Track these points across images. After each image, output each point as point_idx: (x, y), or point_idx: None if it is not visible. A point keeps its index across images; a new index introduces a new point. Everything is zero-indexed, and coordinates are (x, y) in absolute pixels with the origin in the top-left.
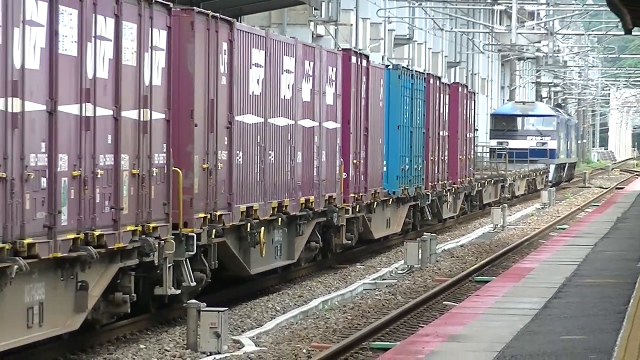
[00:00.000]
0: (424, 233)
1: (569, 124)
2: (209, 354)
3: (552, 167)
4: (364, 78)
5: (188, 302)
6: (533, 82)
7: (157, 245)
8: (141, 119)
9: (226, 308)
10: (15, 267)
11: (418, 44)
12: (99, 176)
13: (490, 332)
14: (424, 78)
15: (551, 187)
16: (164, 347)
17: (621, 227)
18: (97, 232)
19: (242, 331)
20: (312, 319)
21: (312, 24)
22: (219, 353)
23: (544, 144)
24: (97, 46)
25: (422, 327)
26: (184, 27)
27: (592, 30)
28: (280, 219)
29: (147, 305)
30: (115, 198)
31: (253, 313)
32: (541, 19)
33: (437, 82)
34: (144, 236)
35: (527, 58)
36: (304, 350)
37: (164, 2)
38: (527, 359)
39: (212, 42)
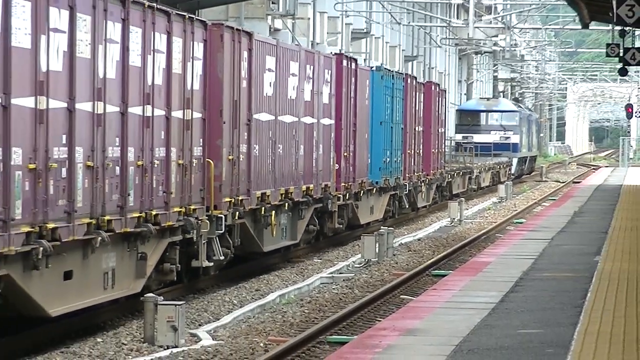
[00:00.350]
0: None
1: (530, 119)
2: (166, 347)
3: (514, 161)
4: (353, 79)
5: (145, 295)
6: (503, 80)
7: (195, 224)
8: (185, 118)
9: (183, 302)
10: (99, 238)
11: (375, 38)
12: (155, 166)
13: (448, 326)
14: (403, 78)
15: (514, 179)
16: (121, 340)
17: (578, 221)
18: (154, 212)
19: (199, 325)
20: (270, 312)
21: (269, 17)
22: (176, 347)
23: (507, 138)
24: (155, 58)
25: (380, 321)
26: (215, 40)
27: (549, 25)
28: (287, 204)
29: (181, 277)
30: (167, 184)
31: (210, 307)
32: (498, 13)
33: (414, 81)
34: (186, 216)
35: (485, 52)
36: (261, 344)
37: (186, 14)
38: (485, 352)
39: (236, 52)
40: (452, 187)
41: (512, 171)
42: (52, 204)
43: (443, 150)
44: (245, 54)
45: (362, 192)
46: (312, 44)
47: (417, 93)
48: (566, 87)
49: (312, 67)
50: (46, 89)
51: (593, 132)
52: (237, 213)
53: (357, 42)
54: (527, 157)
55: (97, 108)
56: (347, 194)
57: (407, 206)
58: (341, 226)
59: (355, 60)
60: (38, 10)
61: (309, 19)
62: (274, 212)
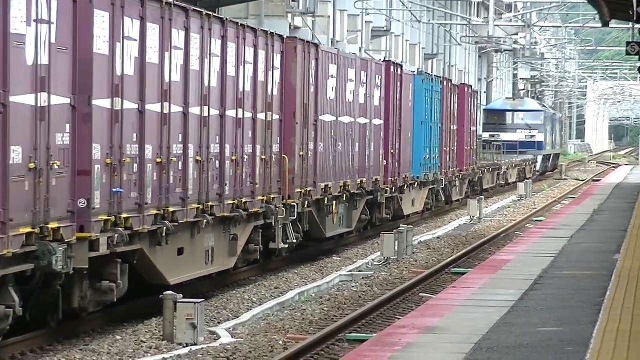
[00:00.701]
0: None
1: (554, 118)
2: (185, 345)
3: (539, 158)
4: (398, 83)
5: (165, 293)
6: (523, 79)
7: (274, 211)
8: (267, 119)
9: (202, 299)
10: (205, 221)
11: (395, 36)
12: (245, 160)
13: (467, 324)
14: (440, 81)
15: (539, 175)
16: (140, 338)
17: (597, 220)
18: (244, 200)
19: (219, 322)
20: (289, 310)
21: (289, 15)
22: (195, 344)
23: (532, 136)
24: (245, 69)
25: (399, 319)
26: (289, 51)
27: (570, 23)
28: (344, 195)
29: (258, 258)
30: (253, 176)
31: (229, 304)
32: (519, 11)
33: (450, 84)
34: (267, 204)
35: (505, 50)
36: (280, 342)
37: (267, 30)
38: (504, 351)
39: (306, 61)
40: (483, 183)
41: (537, 168)
42: (172, 192)
43: (475, 147)
44: (313, 63)
45: (405, 185)
46: (332, 42)
47: (452, 95)
48: (586, 86)
49: (365, 73)
50: (169, 97)
51: (613, 130)
52: (307, 202)
53: (377, 40)
54: (551, 154)
55: (203, 112)
56: (394, 187)
57: (443, 199)
58: (388, 216)
59: (401, 66)
60: (239, 49)
61: (329, 17)
62: (334, 202)
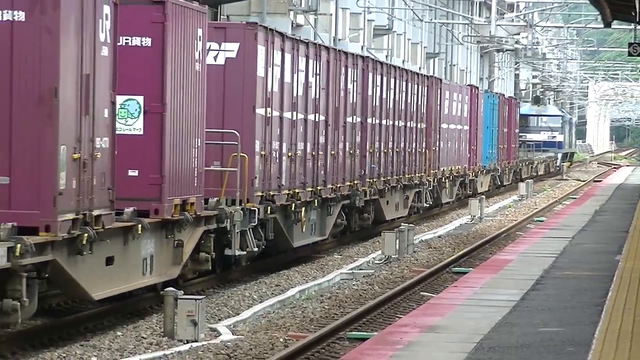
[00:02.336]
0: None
1: (571, 121)
2: (185, 341)
3: (559, 155)
4: (476, 100)
5: (165, 289)
6: (531, 83)
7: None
8: (417, 127)
9: (203, 296)
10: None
11: (397, 34)
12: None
13: (469, 324)
14: (497, 96)
15: (559, 170)
16: (140, 334)
17: (599, 220)
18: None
19: (219, 319)
20: (289, 308)
21: (291, 13)
22: (196, 341)
23: (553, 137)
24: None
25: (400, 317)
26: (430, 87)
27: (572, 23)
28: (451, 176)
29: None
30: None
31: (230, 301)
32: (520, 11)
33: (502, 97)
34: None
35: (506, 50)
36: (281, 340)
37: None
38: (506, 350)
39: (435, 91)
40: (522, 173)
41: (558, 163)
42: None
43: (516, 145)
44: (439, 92)
45: (479, 172)
46: (333, 40)
47: (503, 105)
48: (587, 86)
49: (460, 95)
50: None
51: (614, 131)
52: (437, 178)
53: (379, 39)
54: (568, 152)
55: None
56: (473, 173)
57: (499, 183)
58: (470, 193)
59: (477, 87)
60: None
61: (331, 15)
62: (447, 180)
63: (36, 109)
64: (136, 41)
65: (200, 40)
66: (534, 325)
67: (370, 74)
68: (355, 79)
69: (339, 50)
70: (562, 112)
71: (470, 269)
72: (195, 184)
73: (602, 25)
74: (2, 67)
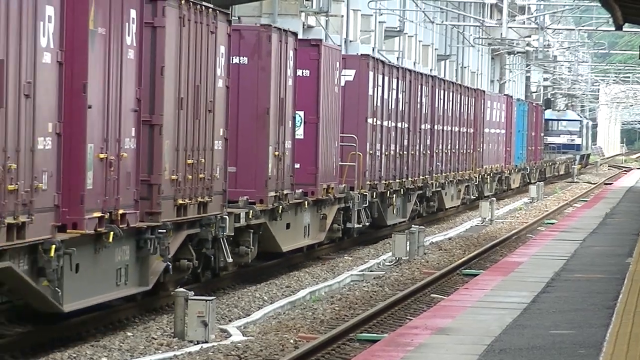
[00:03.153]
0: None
1: (588, 125)
2: (196, 342)
3: (577, 156)
4: (510, 108)
5: (176, 290)
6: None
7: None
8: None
9: (214, 297)
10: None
11: (408, 36)
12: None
13: (479, 326)
14: (527, 103)
15: (577, 173)
16: (151, 335)
17: (610, 223)
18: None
19: (230, 320)
20: (300, 309)
21: (303, 14)
22: (206, 342)
23: (572, 140)
24: (423, 99)
25: (410, 319)
26: (478, 99)
27: (583, 26)
28: (493, 173)
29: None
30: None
31: (240, 302)
32: (532, 14)
33: (531, 104)
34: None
35: (517, 52)
36: (291, 341)
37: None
38: (516, 352)
39: (477, 100)
40: (546, 172)
41: (576, 164)
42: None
43: (542, 147)
44: (474, 100)
45: (512, 170)
46: (344, 42)
47: (532, 112)
48: (598, 89)
49: (498, 103)
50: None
51: (625, 134)
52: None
53: (390, 41)
54: (585, 154)
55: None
56: (508, 171)
57: (529, 180)
58: (505, 188)
59: (512, 96)
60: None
61: (342, 16)
62: (488, 177)
63: (255, 122)
64: (300, 72)
65: (337, 70)
66: (545, 327)
67: (437, 90)
68: (427, 94)
69: (417, 72)
70: (581, 117)
71: (481, 271)
72: (334, 174)
73: (613, 28)
74: (232, 94)
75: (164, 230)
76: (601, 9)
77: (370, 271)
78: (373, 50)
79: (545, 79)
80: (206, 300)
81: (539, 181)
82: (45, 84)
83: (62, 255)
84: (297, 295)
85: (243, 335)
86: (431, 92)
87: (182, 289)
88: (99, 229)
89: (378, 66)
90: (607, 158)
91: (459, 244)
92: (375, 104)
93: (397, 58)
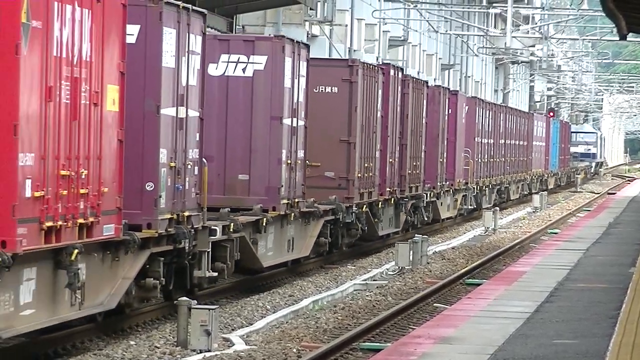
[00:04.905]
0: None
1: (602, 137)
2: (199, 351)
3: (593, 164)
4: (550, 126)
5: (179, 299)
6: (546, 95)
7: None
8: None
9: (217, 306)
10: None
11: (412, 45)
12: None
13: (483, 335)
14: (559, 121)
15: (593, 174)
16: (154, 343)
17: (613, 233)
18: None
19: (233, 329)
20: (303, 318)
21: (307, 23)
22: (209, 351)
23: (589, 149)
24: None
25: (413, 328)
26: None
27: (587, 35)
28: (534, 177)
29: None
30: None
31: (243, 311)
32: (536, 23)
33: (562, 122)
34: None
35: (521, 62)
36: (294, 350)
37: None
38: None
39: (494, 115)
40: (571, 177)
41: (592, 170)
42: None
43: (569, 156)
44: (527, 121)
45: (549, 175)
46: (349, 51)
47: (562, 127)
48: (602, 98)
49: (541, 122)
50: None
51: (628, 143)
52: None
53: (394, 50)
54: (599, 162)
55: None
56: (545, 175)
57: (560, 184)
58: (544, 188)
59: (547, 116)
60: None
61: (346, 25)
62: (535, 179)
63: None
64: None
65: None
66: (548, 337)
67: (501, 114)
68: (499, 118)
69: (493, 103)
70: (596, 129)
71: (484, 280)
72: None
73: (617, 38)
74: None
75: None
76: (605, 19)
77: (373, 280)
78: (377, 59)
79: (549, 89)
80: (209, 309)
81: (567, 184)
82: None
83: None
84: (300, 304)
85: (246, 344)
86: (494, 116)
87: (184, 298)
88: None
89: (479, 103)
90: (611, 168)
91: (462, 254)
92: (480, 128)
93: (401, 67)
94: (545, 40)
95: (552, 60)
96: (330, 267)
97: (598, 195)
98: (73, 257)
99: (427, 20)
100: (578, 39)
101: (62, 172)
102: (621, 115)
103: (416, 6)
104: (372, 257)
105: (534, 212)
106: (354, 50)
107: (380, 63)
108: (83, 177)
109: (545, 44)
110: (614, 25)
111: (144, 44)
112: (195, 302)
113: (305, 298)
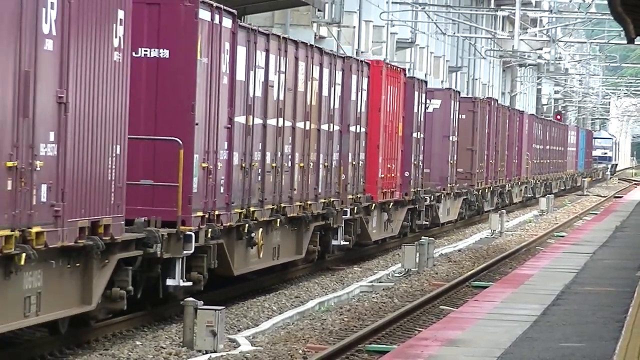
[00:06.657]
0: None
1: (616, 142)
2: (204, 352)
3: (609, 166)
4: (579, 135)
5: (185, 299)
6: (553, 98)
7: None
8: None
9: (223, 307)
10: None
11: (420, 48)
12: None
13: (489, 338)
14: (586, 131)
15: (610, 176)
16: (160, 344)
17: (620, 236)
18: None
19: (239, 330)
20: (309, 320)
21: (315, 25)
22: (215, 352)
23: (605, 153)
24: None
25: (420, 331)
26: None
27: (594, 39)
28: (564, 177)
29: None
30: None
31: (249, 312)
32: (543, 26)
33: (587, 131)
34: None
35: (529, 65)
36: (300, 351)
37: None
38: None
39: (552, 130)
40: (593, 176)
41: (608, 172)
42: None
43: (590, 159)
44: (563, 132)
45: (576, 174)
46: (356, 53)
47: (588, 135)
48: (609, 102)
49: (573, 131)
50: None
51: (635, 147)
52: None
53: (402, 52)
54: (615, 164)
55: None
56: (574, 175)
57: (578, 184)
58: (575, 185)
59: (578, 127)
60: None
61: (354, 27)
62: (568, 177)
63: None
64: None
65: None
66: (555, 340)
67: (538, 125)
68: (539, 128)
69: (535, 115)
70: (612, 135)
71: (491, 283)
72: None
73: (625, 41)
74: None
75: None
76: (613, 22)
77: (380, 282)
78: (384, 61)
79: (556, 92)
80: (215, 310)
81: (590, 184)
82: None
83: None
84: (306, 305)
85: (252, 345)
86: (546, 127)
87: (191, 299)
88: None
89: (535, 118)
90: (618, 171)
91: (468, 256)
92: (534, 137)
93: (409, 69)
94: (552, 43)
95: (559, 63)
96: (336, 269)
97: (605, 198)
98: None
99: (435, 23)
100: (586, 42)
101: None
102: (628, 119)
103: (424, 8)
104: (378, 259)
105: (540, 215)
106: (362, 52)
107: (486, 98)
108: None
109: (553, 47)
110: (621, 28)
111: None
112: (202, 302)
113: (312, 299)
